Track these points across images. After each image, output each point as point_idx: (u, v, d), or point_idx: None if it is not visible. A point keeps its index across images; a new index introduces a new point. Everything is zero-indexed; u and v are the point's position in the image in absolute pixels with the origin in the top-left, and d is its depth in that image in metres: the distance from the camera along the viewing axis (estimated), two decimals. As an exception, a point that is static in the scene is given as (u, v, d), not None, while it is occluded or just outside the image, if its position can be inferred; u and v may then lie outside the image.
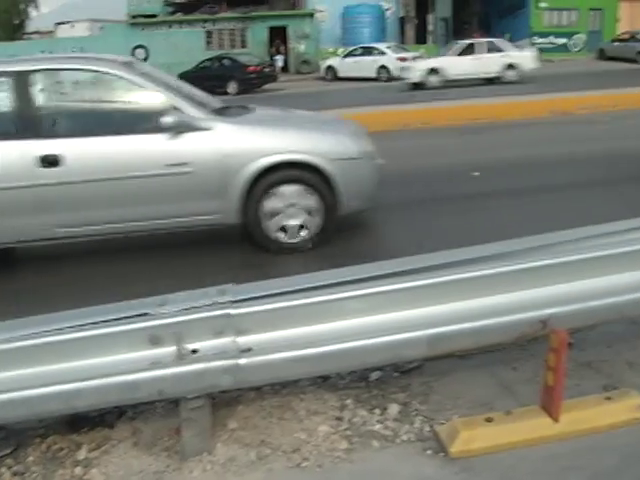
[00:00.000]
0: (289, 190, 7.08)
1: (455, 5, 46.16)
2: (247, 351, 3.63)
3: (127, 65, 7.23)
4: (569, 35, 45.20)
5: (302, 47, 43.01)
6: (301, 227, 7.18)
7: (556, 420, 3.66)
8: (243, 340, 3.65)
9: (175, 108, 6.82)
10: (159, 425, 4.06)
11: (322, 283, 3.82)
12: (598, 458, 3.53)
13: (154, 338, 3.62)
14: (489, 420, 3.70)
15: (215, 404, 3.98)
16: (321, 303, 3.68)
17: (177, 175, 6.82)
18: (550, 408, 3.69)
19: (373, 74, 34.71)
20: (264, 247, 7.21)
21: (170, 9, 47.72)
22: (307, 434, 3.86)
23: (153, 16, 45.40)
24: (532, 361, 4.16)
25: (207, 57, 37.76)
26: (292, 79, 38.44)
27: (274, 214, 7.11)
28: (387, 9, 45.66)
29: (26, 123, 6.78)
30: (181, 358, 3.60)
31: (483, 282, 3.71)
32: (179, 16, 46.13)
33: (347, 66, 36.37)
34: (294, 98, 25.56)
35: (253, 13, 44.51)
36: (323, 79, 37.23)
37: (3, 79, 6.78)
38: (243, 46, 43.95)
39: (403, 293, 3.68)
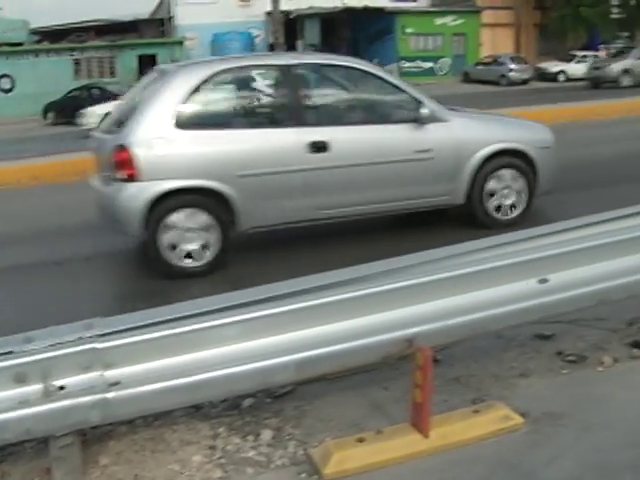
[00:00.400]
0: (505, 174, 8.23)
1: (323, 31, 46.90)
2: (115, 385, 3.57)
3: (371, 65, 8.56)
4: (435, 59, 46.64)
5: (173, 75, 42.63)
6: (512, 207, 8.33)
7: (426, 436, 3.74)
8: (111, 374, 3.58)
9: (419, 102, 7.80)
10: (29, 466, 3.92)
11: (190, 312, 3.79)
12: (467, 470, 3.62)
13: (19, 376, 3.50)
14: (361, 440, 3.74)
15: (86, 440, 3.89)
16: (190, 332, 3.65)
17: (422, 161, 7.78)
18: (420, 425, 3.76)
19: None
20: (483, 225, 8.04)
21: (36, 37, 46.69)
22: (181, 465, 3.81)
23: (19, 44, 44.30)
24: (402, 380, 4.24)
25: (75, 86, 37.14)
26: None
27: (492, 195, 8.21)
28: (256, 36, 46.08)
29: (296, 112, 7.53)
30: (48, 395, 3.50)
31: (349, 305, 3.77)
32: (46, 44, 45.17)
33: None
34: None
35: (122, 41, 44.08)
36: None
37: (273, 72, 7.85)
38: (112, 75, 43.42)
39: (271, 319, 3.70)
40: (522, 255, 4.14)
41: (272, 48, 43.81)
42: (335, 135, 7.49)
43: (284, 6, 43.40)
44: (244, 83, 7.97)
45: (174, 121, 7.16)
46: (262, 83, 7.88)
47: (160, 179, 7.09)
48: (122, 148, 7.06)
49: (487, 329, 4.18)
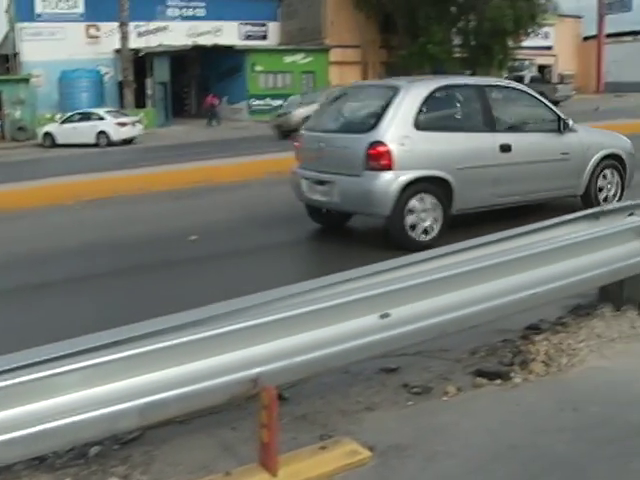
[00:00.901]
0: (607, 173, 10.87)
1: (173, 69, 46.71)
2: (-53, 440, 3.41)
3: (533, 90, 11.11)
4: (285, 97, 47.15)
5: (18, 113, 41.32)
6: (613, 195, 10.90)
7: (274, 475, 3.74)
8: (-57, 429, 3.42)
9: (560, 117, 10.38)
10: None
11: (29, 361, 3.66)
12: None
13: None
14: (208, 483, 3.72)
15: None
16: (28, 382, 3.52)
17: (563, 161, 10.32)
18: (268, 464, 3.77)
19: (93, 140, 34.18)
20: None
21: None
22: (23, 520, 3.67)
23: None
24: (250, 419, 4.23)
25: None
26: (7, 147, 36.81)
27: (601, 189, 10.81)
28: (105, 73, 45.41)
29: (490, 121, 9.89)
30: None
31: (190, 347, 3.74)
32: None
33: (66, 132, 35.47)
34: (5, 167, 24.57)
35: (-36, 78, 42.43)
36: (41, 146, 36.05)
37: (473, 90, 10.24)
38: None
39: (111, 365, 3.61)
40: (364, 291, 4.23)
41: (121, 86, 43.33)
42: (515, 139, 9.87)
43: (133, 44, 43.09)
44: (455, 97, 10.32)
45: (414, 124, 9.16)
46: (467, 97, 10.27)
47: (407, 169, 8.99)
48: (380, 143, 8.93)
49: (332, 365, 4.24)
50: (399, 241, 8.94)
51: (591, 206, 8.98)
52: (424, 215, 9.04)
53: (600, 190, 10.75)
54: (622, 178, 10.95)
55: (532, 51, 56.32)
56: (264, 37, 51.93)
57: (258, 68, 46.97)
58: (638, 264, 5.75)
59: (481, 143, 9.64)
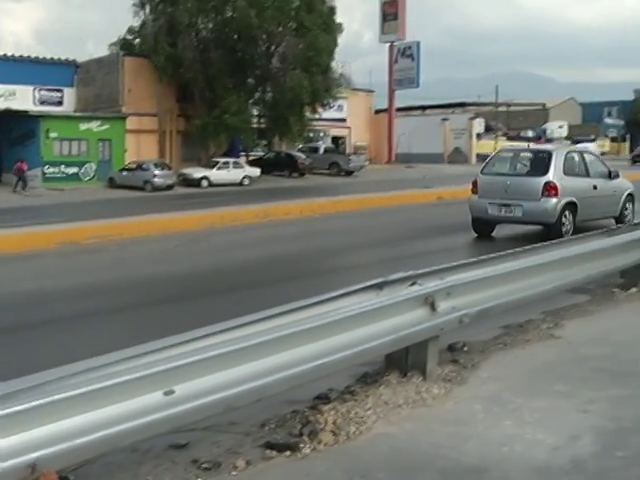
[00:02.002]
0: (628, 204, 18.11)
1: (-38, 134, 44.65)
2: None
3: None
4: (80, 164, 46.05)
5: None
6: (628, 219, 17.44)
7: None
8: None
9: (611, 170, 17.64)
10: None
11: None
12: None
13: None
14: None
15: None
16: None
17: (613, 196, 17.46)
18: None
19: None
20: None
21: None
22: None
23: None
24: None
25: None
26: None
27: (626, 214, 17.79)
28: None
29: (587, 171, 17.12)
30: None
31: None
32: None
33: None
34: None
35: None
36: None
37: (579, 154, 18.02)
38: None
39: None
40: (149, 368, 4.14)
41: None
42: (597, 182, 17.03)
43: None
44: (574, 157, 17.29)
45: (562, 170, 16.06)
46: (578, 157, 17.49)
47: (563, 197, 15.71)
48: (551, 182, 15.74)
49: (117, 445, 4.11)
50: (557, 235, 14.09)
51: (622, 222, 16.13)
52: (567, 222, 15.79)
53: (626, 210, 17.84)
54: (634, 206, 18.14)
55: (327, 123, 58.48)
56: (60, 103, 50.69)
57: (53, 134, 45.62)
58: (422, 331, 6.02)
59: (587, 184, 16.66)
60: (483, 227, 16.91)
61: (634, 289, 10.02)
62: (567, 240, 9.27)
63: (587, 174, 16.92)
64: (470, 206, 16.95)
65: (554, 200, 15.55)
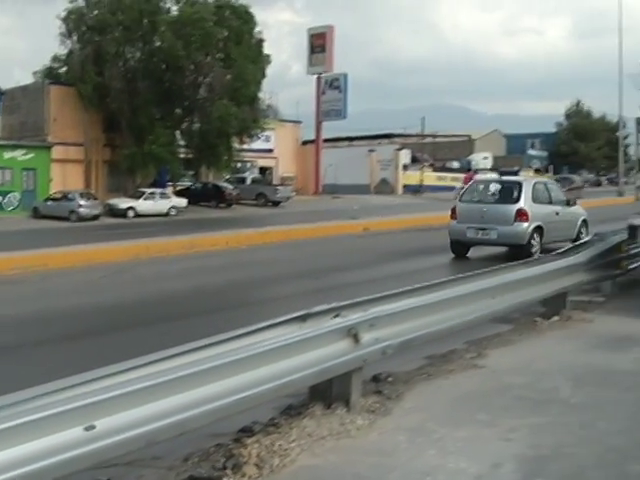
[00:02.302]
0: (583, 228, 20.56)
1: None
2: None
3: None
4: (4, 194, 45.21)
5: None
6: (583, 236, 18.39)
7: None
8: None
9: (568, 200, 20.90)
10: None
11: None
12: None
13: None
14: None
15: None
16: None
17: (570, 221, 20.16)
18: None
19: None
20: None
21: None
22: None
23: None
24: None
25: None
26: None
27: (581, 234, 19.76)
28: None
29: (550, 199, 19.89)
30: None
31: None
32: None
33: None
34: None
35: None
36: None
37: (544, 184, 21.45)
38: None
39: None
40: (69, 403, 4.07)
41: None
42: (559, 209, 19.67)
43: None
44: (540, 187, 19.93)
45: (531, 199, 18.56)
46: (543, 187, 20.39)
47: (532, 222, 18.12)
48: (522, 209, 18.15)
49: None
50: (528, 255, 15.58)
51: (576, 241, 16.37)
52: (535, 243, 18.12)
53: (581, 233, 19.45)
54: (587, 230, 19.70)
55: (254, 153, 58.58)
56: (-17, 130, 49.89)
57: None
58: (345, 363, 6.04)
59: (551, 210, 19.29)
60: (460, 248, 19.22)
61: (556, 318, 10.25)
62: (490, 271, 9.39)
63: (550, 202, 19.57)
64: (450, 230, 19.38)
65: (525, 224, 18.15)
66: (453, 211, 19.53)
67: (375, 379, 7.22)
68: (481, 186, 20.93)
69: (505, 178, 24.03)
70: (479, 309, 8.28)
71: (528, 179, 23.41)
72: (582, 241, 13.17)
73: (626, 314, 10.78)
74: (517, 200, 18.45)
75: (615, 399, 6.95)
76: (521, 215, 18.14)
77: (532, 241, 18.07)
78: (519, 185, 19.20)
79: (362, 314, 6.36)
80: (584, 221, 20.48)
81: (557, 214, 19.39)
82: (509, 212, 18.29)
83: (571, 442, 5.75)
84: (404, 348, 7.00)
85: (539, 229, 18.37)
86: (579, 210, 20.83)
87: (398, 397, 6.80)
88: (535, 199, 18.79)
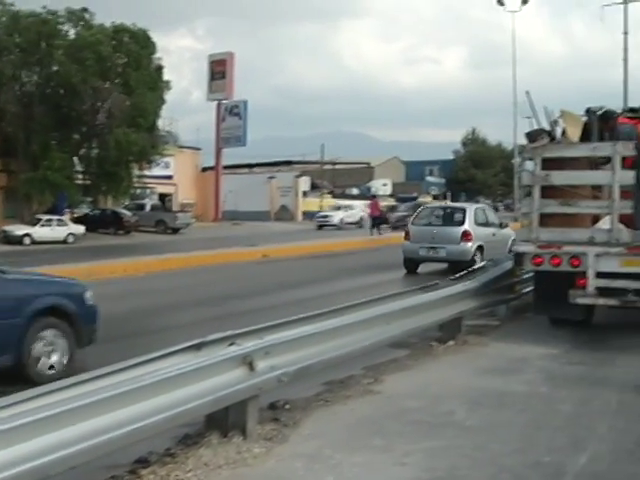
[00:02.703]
0: None
1: None
2: None
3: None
4: None
5: None
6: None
7: None
8: None
9: (502, 222, 24.49)
10: None
11: None
12: None
13: None
14: None
15: None
16: None
17: (504, 241, 22.19)
18: None
19: None
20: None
21: None
22: None
23: None
24: None
25: None
26: None
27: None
28: None
29: (488, 221, 23.20)
30: None
31: None
32: None
33: None
34: None
35: None
36: None
37: (483, 209, 25.54)
38: None
39: None
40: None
41: None
42: (496, 230, 22.80)
43: None
44: (479, 211, 23.40)
45: (474, 222, 21.86)
46: (483, 211, 23.83)
47: (475, 241, 21.35)
48: (467, 231, 21.43)
49: None
50: (469, 266, 14.85)
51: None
52: (478, 260, 19.52)
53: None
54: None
55: (154, 180, 57.95)
56: None
57: None
58: (240, 391, 6.04)
59: (489, 231, 22.11)
60: (412, 265, 22.24)
61: (451, 342, 10.45)
62: (386, 297, 9.51)
63: (488, 224, 22.73)
64: (403, 250, 22.53)
65: (470, 244, 21.34)
66: (407, 233, 22.85)
67: (272, 406, 7.22)
68: (429, 211, 24.62)
69: (451, 204, 30.18)
70: (375, 335, 8.38)
71: (470, 205, 25.72)
72: (477, 266, 13.33)
73: (519, 337, 11.10)
74: (462, 223, 21.87)
75: (509, 421, 7.13)
76: (466, 236, 21.39)
77: (475, 258, 20.70)
78: (463, 210, 22.78)
79: (257, 342, 6.37)
80: (514, 240, 21.48)
81: (494, 235, 22.42)
82: (456, 233, 21.60)
83: (465, 464, 5.86)
84: (301, 375, 7.03)
85: (480, 247, 21.48)
86: (509, 231, 23.36)
87: (295, 424, 6.81)
88: (476, 222, 22.09)
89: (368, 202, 48.47)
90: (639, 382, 8.52)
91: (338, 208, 61.64)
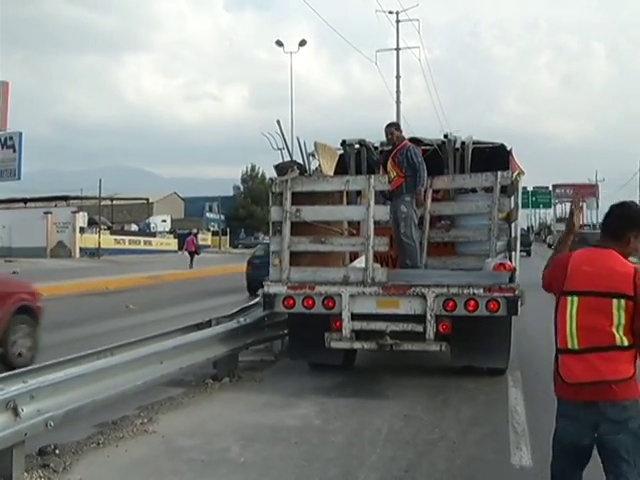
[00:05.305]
0: None
1: None
2: None
3: None
4: None
5: None
6: None
7: None
8: None
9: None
10: None
11: None
12: None
13: None
14: None
15: None
16: None
17: None
18: None
19: None
20: None
21: None
22: None
23: None
24: None
25: None
26: None
27: None
28: None
29: None
30: None
31: None
32: None
33: None
34: None
35: None
36: None
37: None
38: None
39: None
40: None
41: None
42: None
43: None
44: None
45: None
46: None
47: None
48: None
49: None
50: None
51: None
52: None
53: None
54: None
55: None
56: None
57: None
58: (4, 438, 5.83)
59: None
60: (254, 290, 21.40)
61: (226, 379, 10.47)
62: (161, 334, 9.47)
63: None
64: (247, 277, 25.84)
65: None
66: (249, 263, 26.30)
67: (41, 452, 6.94)
68: (265, 248, 25.35)
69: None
70: (148, 374, 8.29)
71: None
72: (252, 302, 13.13)
73: (294, 371, 11.29)
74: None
75: (283, 455, 7.27)
76: None
77: None
78: None
79: (22, 386, 6.16)
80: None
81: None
82: None
83: (237, 500, 5.92)
84: (71, 418, 6.85)
85: None
86: None
87: (65, 469, 6.63)
88: None
89: (188, 238, 50.08)
90: (408, 412, 8.91)
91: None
